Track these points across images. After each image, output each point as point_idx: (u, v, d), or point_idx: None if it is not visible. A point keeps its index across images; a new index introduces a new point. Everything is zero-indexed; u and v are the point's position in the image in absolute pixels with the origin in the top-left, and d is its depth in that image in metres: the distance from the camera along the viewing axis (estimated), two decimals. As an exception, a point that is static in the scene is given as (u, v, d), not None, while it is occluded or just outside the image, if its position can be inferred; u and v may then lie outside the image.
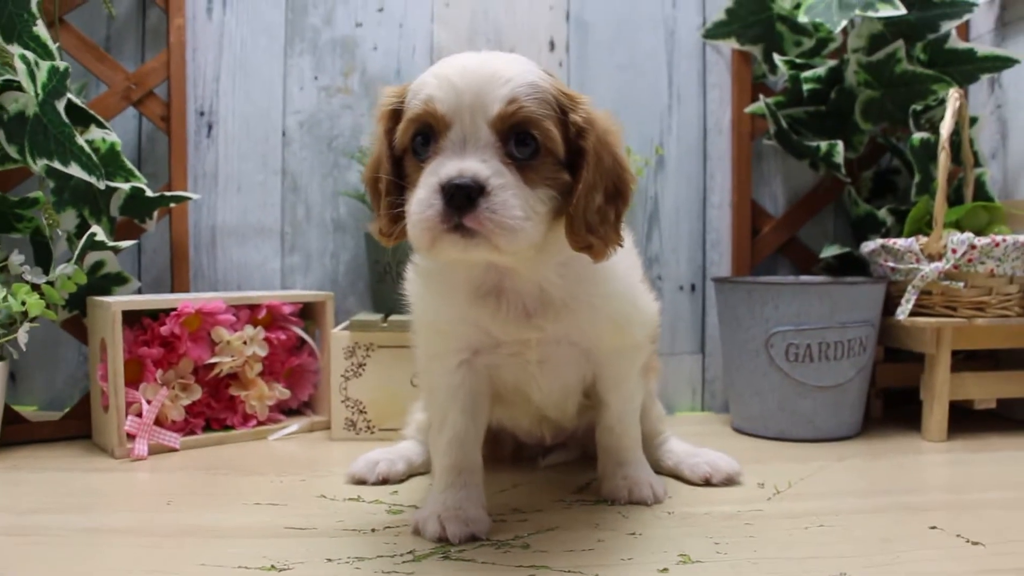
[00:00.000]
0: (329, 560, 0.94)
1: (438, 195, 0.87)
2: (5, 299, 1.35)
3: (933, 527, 1.05)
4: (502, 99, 0.89)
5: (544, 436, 1.30)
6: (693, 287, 1.83)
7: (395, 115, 0.97)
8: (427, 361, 1.11)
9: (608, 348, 1.11)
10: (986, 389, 1.55)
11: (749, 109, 1.77)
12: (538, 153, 0.92)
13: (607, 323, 1.08)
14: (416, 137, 0.93)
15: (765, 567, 0.92)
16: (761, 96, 1.74)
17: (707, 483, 1.25)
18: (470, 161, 0.88)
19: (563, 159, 0.94)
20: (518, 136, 0.91)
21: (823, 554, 0.96)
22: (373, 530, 1.05)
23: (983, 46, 1.66)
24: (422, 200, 0.88)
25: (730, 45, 1.79)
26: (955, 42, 1.65)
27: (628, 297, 1.10)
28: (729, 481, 1.25)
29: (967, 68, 1.64)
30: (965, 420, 1.59)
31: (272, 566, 0.92)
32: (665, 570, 0.91)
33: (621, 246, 1.00)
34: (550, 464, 1.35)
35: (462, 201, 0.86)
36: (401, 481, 1.28)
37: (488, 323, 1.04)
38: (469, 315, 1.04)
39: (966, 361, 1.66)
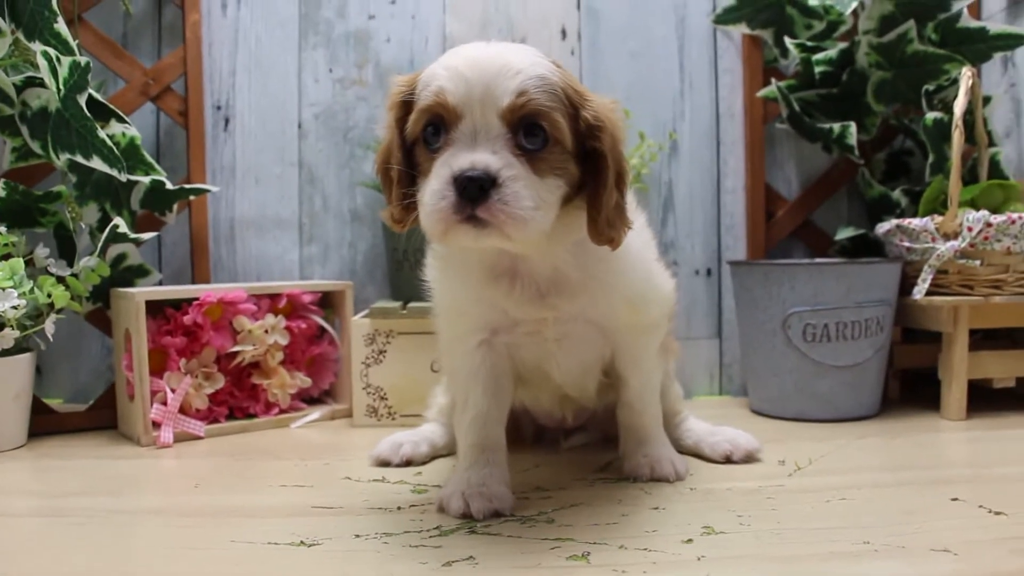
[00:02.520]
0: (357, 536, 0.96)
1: (451, 187, 0.89)
2: (32, 291, 1.38)
3: (955, 499, 1.06)
4: (512, 91, 0.91)
5: (566, 417, 1.31)
6: (709, 271, 1.84)
7: (406, 105, 0.98)
8: (448, 343, 1.14)
9: (625, 326, 1.12)
10: (1005, 368, 1.55)
11: (761, 93, 1.77)
12: (547, 144, 0.94)
13: (622, 301, 1.09)
14: (427, 128, 0.94)
15: (789, 537, 0.93)
16: (773, 80, 1.75)
17: (728, 460, 1.26)
18: (481, 153, 0.90)
19: (571, 150, 0.96)
20: (527, 127, 0.92)
21: (846, 524, 0.97)
22: (399, 508, 1.06)
23: (995, 24, 1.66)
24: (436, 191, 0.90)
25: (740, 30, 1.79)
26: (967, 21, 1.65)
27: (642, 274, 1.12)
28: (749, 458, 1.26)
29: (979, 47, 1.64)
30: (984, 399, 1.58)
31: (301, 542, 0.94)
32: (690, 541, 0.92)
33: (631, 228, 1.02)
34: (572, 446, 1.36)
35: (475, 192, 0.88)
36: (424, 463, 1.29)
37: (503, 303, 1.06)
38: (485, 295, 1.06)
39: (984, 340, 1.66)
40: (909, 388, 1.74)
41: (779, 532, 0.95)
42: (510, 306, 1.06)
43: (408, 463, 1.28)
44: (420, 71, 0.98)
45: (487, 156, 0.90)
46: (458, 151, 0.91)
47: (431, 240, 0.98)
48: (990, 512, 1.00)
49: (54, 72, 1.37)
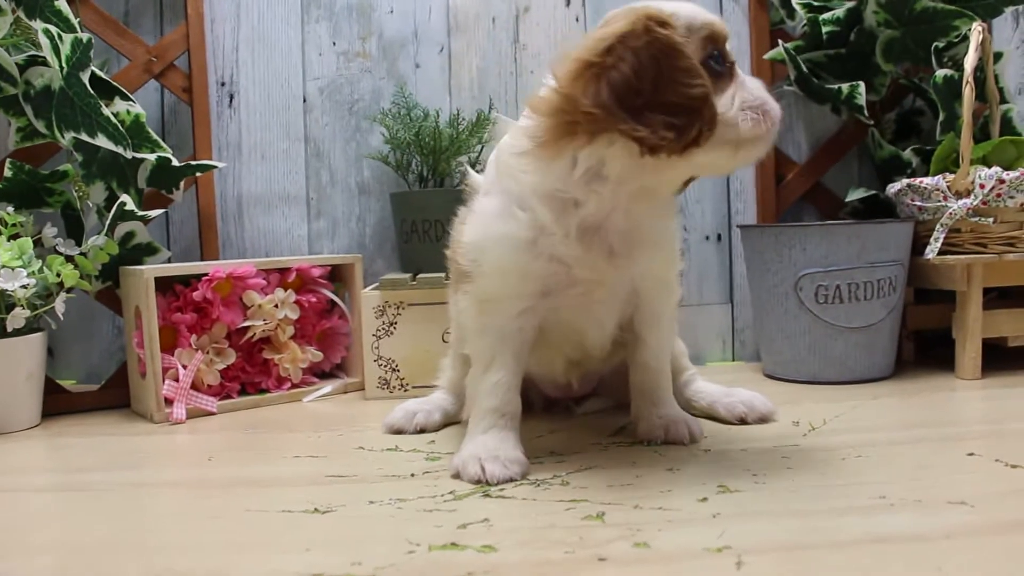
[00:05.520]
0: (371, 502, 0.96)
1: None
2: (41, 271, 1.38)
3: (971, 454, 1.05)
4: None
5: (571, 384, 1.29)
6: (719, 237, 1.83)
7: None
8: (484, 303, 1.07)
9: (655, 280, 1.12)
10: (1019, 326, 1.53)
11: (768, 56, 1.75)
12: None
13: (662, 256, 1.11)
14: (714, 53, 1.00)
15: (805, 494, 0.93)
16: (780, 42, 1.72)
17: (742, 422, 1.25)
18: None
19: None
20: None
21: (862, 480, 0.96)
22: (412, 475, 1.06)
23: (1006, -22, 1.63)
24: (767, 105, 1.00)
25: (746, -8, 1.77)
26: (977, -25, 1.62)
27: (673, 229, 1.14)
28: (764, 420, 1.26)
29: (990, 2, 1.61)
30: (999, 358, 1.57)
31: (316, 509, 0.94)
32: (705, 499, 0.92)
33: None
34: (586, 411, 1.36)
35: None
36: (437, 431, 1.29)
37: (573, 261, 1.03)
38: (559, 252, 1.03)
39: (998, 299, 1.64)
40: (923, 351, 1.73)
41: (795, 489, 0.94)
42: (582, 265, 1.03)
43: (421, 431, 1.28)
44: (658, 12, 0.97)
45: None
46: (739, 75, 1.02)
47: (751, 148, 1.01)
48: (1007, 466, 1.00)
49: (56, 50, 1.37)
